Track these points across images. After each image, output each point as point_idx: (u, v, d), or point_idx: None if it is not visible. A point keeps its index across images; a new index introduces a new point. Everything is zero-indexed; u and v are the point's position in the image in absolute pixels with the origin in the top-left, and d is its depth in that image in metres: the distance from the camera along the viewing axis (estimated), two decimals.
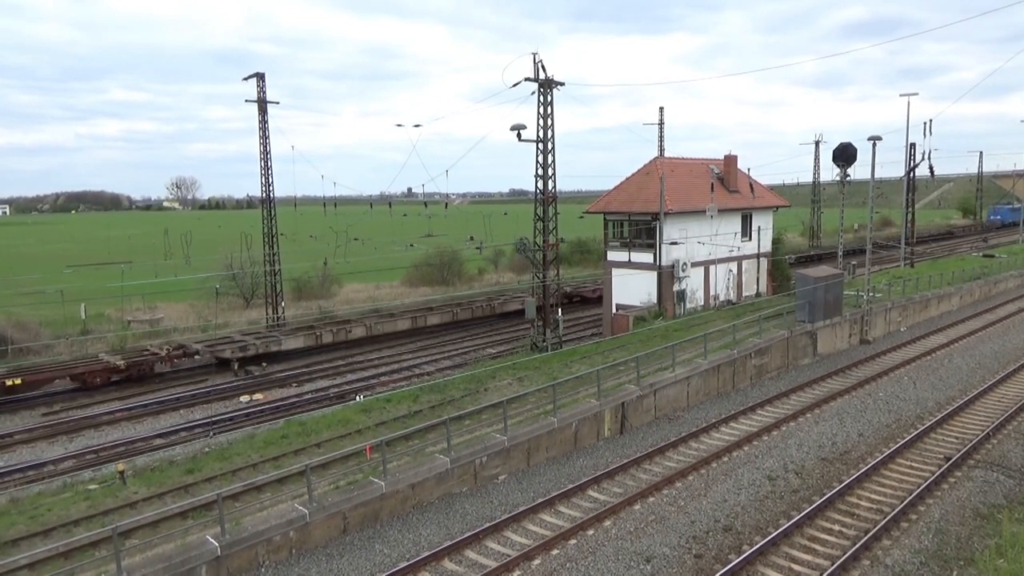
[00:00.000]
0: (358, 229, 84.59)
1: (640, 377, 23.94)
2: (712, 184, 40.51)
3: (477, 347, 40.88)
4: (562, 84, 34.20)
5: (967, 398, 24.72)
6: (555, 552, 15.44)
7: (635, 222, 39.57)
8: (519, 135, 32.32)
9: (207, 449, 20.66)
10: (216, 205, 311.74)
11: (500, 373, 26.39)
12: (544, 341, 35.76)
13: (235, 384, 33.51)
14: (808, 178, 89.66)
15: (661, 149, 64.50)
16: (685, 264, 38.55)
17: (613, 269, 40.79)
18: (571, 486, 18.50)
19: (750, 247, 43.52)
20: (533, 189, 35.91)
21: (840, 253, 36.52)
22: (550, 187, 35.12)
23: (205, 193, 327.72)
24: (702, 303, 40.35)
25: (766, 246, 44.95)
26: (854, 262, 52.59)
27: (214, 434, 25.68)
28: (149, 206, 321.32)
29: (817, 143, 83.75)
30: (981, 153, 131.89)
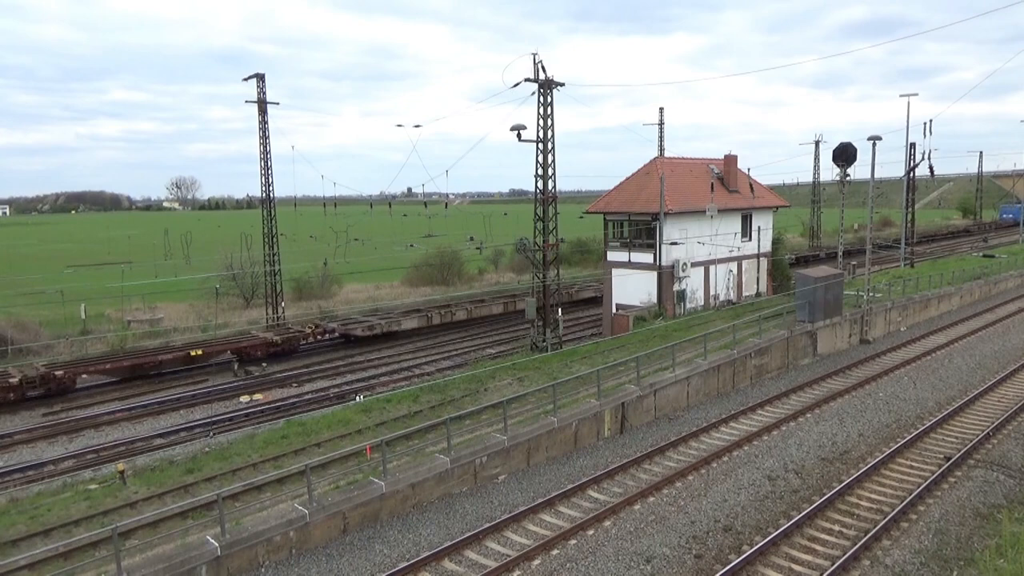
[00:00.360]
0: (358, 229, 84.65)
1: (640, 377, 23.94)
2: (712, 184, 40.52)
3: (476, 347, 40.93)
4: (562, 84, 34.27)
5: (967, 398, 24.71)
6: (555, 552, 15.44)
7: (635, 222, 39.58)
8: (519, 135, 32.38)
9: (207, 449, 20.67)
10: (216, 205, 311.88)
11: (500, 373, 26.40)
12: (544, 341, 35.78)
13: (235, 384, 33.54)
14: (808, 178, 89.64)
15: (661, 149, 64.55)
16: (685, 264, 38.54)
17: (613, 269, 40.80)
18: (571, 486, 18.49)
19: (750, 247, 43.51)
20: (533, 189, 35.92)
21: (840, 253, 36.50)
22: (550, 187, 35.15)
23: (205, 193, 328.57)
24: (702, 303, 40.34)
25: (766, 246, 44.93)
26: (854, 262, 52.65)
27: (214, 434, 25.69)
28: (149, 206, 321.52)
29: (817, 143, 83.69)
30: (981, 153, 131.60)
